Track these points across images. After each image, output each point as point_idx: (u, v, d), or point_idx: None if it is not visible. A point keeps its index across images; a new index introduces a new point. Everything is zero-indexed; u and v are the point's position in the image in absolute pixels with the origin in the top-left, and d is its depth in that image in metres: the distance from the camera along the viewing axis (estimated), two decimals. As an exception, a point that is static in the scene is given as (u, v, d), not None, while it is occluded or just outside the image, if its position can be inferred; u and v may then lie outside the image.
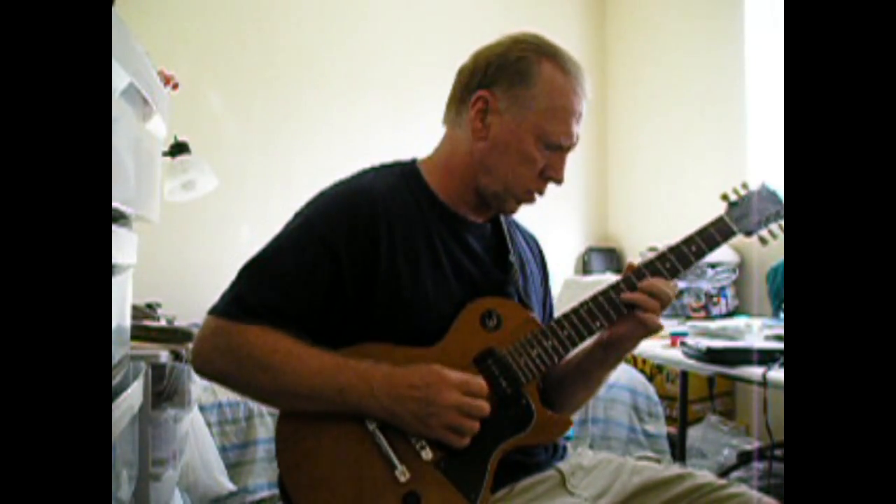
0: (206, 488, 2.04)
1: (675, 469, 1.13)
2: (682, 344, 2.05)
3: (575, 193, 3.96)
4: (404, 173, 1.15)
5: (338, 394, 0.99)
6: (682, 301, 3.22)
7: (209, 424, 2.23)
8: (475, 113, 1.10)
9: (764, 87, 3.19)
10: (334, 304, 1.04)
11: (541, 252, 1.30)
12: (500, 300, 1.10)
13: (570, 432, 2.46)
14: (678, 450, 2.50)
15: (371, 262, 1.04)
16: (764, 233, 1.17)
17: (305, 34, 3.40)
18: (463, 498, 1.00)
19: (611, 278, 1.21)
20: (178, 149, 2.27)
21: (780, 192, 1.16)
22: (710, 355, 1.90)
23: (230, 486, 2.14)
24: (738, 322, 2.32)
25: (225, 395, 2.30)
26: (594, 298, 1.09)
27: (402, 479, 0.98)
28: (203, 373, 1.06)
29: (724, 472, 2.51)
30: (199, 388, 1.96)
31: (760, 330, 2.15)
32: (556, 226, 3.75)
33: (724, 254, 3.16)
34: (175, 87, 1.87)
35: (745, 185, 1.18)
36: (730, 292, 3.24)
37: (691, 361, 1.99)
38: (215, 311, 1.04)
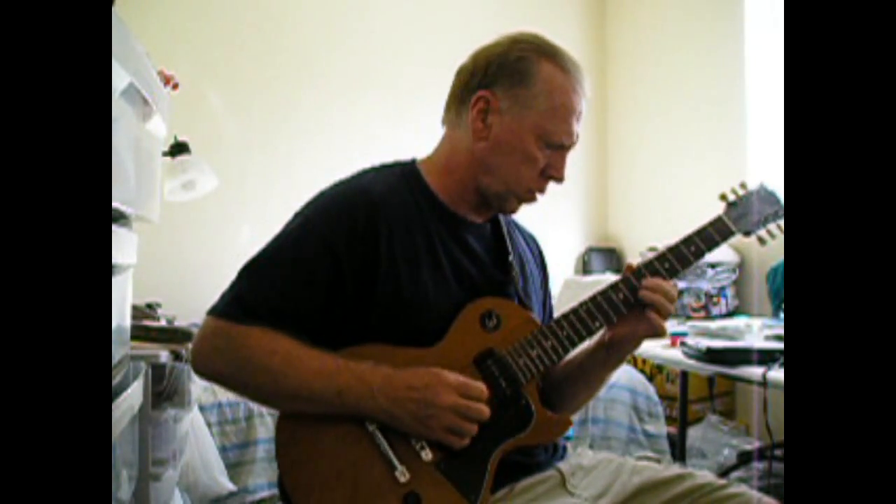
0: (206, 488, 2.04)
1: (675, 469, 1.13)
2: (682, 344, 2.05)
3: (575, 193, 3.96)
4: (404, 173, 1.15)
5: (337, 395, 0.99)
6: (682, 301, 3.22)
7: (209, 424, 2.23)
8: (476, 113, 1.10)
9: (764, 87, 3.19)
10: (334, 305, 1.04)
11: (540, 252, 1.30)
12: (499, 300, 1.10)
13: (569, 432, 2.47)
14: (678, 450, 2.50)
15: (371, 262, 1.04)
16: (762, 233, 1.17)
17: (305, 34, 3.40)
18: (463, 498, 1.00)
19: (611, 278, 1.21)
20: (178, 149, 2.27)
21: (779, 193, 1.17)
22: (710, 355, 1.90)
23: (230, 486, 2.14)
24: (738, 322, 2.32)
25: (225, 395, 2.30)
26: (593, 299, 1.10)
27: (402, 479, 0.98)
28: (202, 373, 1.06)
29: (724, 472, 2.51)
30: (199, 388, 1.96)
31: (760, 330, 2.15)
32: (556, 226, 3.75)
33: (724, 254, 3.16)
34: (175, 87, 1.87)
35: (743, 186, 1.19)
36: (730, 292, 3.25)
37: (691, 361, 1.99)
38: (215, 312, 1.04)
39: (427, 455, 1.00)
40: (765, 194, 1.17)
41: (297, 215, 1.11)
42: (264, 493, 2.27)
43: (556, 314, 1.13)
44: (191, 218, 2.92)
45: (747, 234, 1.16)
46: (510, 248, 1.18)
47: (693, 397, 2.87)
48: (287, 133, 3.34)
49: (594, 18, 4.13)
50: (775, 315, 2.64)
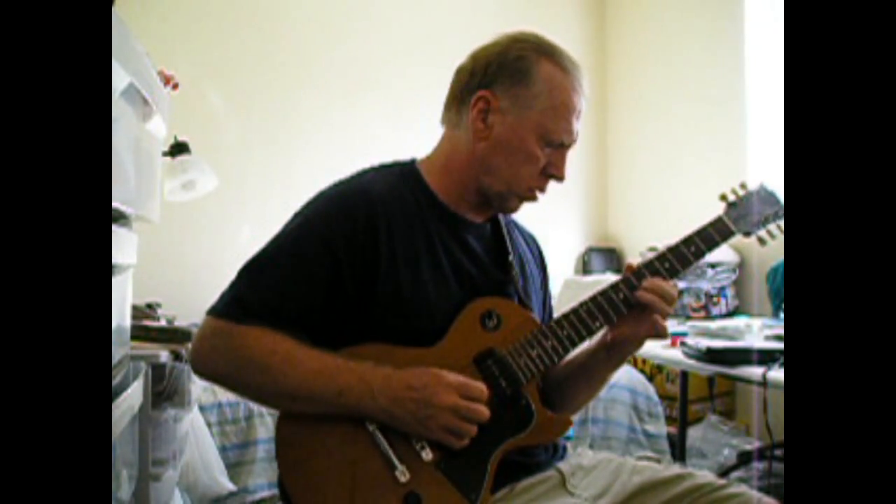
0: (206, 488, 2.04)
1: (675, 469, 1.13)
2: (682, 344, 2.05)
3: (575, 193, 3.96)
4: (404, 173, 1.15)
5: (337, 395, 0.99)
6: (682, 301, 3.22)
7: (209, 424, 2.23)
8: (476, 113, 1.10)
9: (764, 87, 3.19)
10: (334, 305, 1.04)
11: (540, 252, 1.30)
12: (499, 300, 1.10)
13: (570, 432, 2.47)
14: (678, 450, 2.50)
15: (371, 262, 1.04)
16: (762, 233, 1.17)
17: (305, 34, 3.40)
18: (463, 498, 1.00)
19: (611, 278, 1.21)
20: (178, 149, 2.27)
21: (779, 193, 1.17)
22: (710, 355, 1.90)
23: (230, 486, 2.14)
24: (738, 322, 2.32)
25: (225, 395, 2.30)
26: (594, 299, 1.10)
27: (403, 479, 0.99)
28: (202, 374, 1.06)
29: (724, 472, 2.51)
30: (199, 388, 1.95)
31: (760, 330, 2.15)
32: (556, 226, 3.75)
33: (724, 254, 3.16)
34: (175, 87, 1.87)
35: (743, 186, 1.19)
36: (730, 292, 3.25)
37: (691, 361, 1.99)
38: (214, 312, 1.04)
39: (427, 455, 1.00)
40: (765, 195, 1.17)
41: (296, 215, 1.11)
42: (264, 493, 2.27)
43: (557, 314, 1.13)
44: (191, 218, 2.92)
45: (747, 234, 1.16)
46: (510, 248, 1.18)
47: (693, 397, 2.87)
48: (287, 133, 3.33)
49: (594, 18, 4.12)
50: (775, 315, 2.64)
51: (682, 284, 3.14)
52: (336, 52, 3.44)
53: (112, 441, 0.96)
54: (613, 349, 1.13)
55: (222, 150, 3.06)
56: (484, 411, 1.00)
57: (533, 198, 1.14)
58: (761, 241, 1.17)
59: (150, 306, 1.87)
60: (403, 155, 1.20)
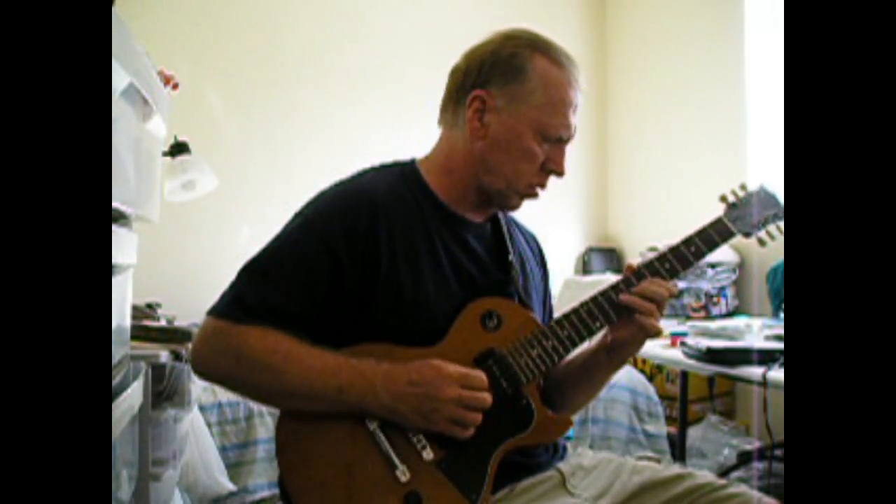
0: (206, 488, 2.04)
1: (675, 469, 1.13)
2: (682, 344, 2.05)
3: (575, 193, 3.96)
4: (404, 173, 1.15)
5: (338, 393, 0.99)
6: (682, 301, 3.22)
7: (209, 424, 2.23)
8: (472, 113, 1.10)
9: (764, 88, 3.19)
10: (334, 305, 1.04)
11: (541, 251, 1.30)
12: (500, 300, 1.10)
13: (570, 432, 2.47)
14: (678, 450, 2.50)
15: (371, 262, 1.04)
16: (762, 234, 1.17)
17: (305, 34, 3.40)
18: (464, 498, 1.00)
19: (611, 278, 1.21)
20: (178, 149, 2.27)
21: (779, 194, 1.17)
22: (710, 355, 1.89)
23: (230, 486, 2.14)
24: (738, 322, 2.32)
25: (225, 395, 2.30)
26: (594, 299, 1.10)
27: (403, 478, 0.99)
28: (202, 374, 1.06)
29: (724, 472, 2.51)
30: (199, 388, 1.96)
31: (760, 330, 2.15)
32: (556, 226, 3.75)
33: (724, 254, 3.16)
34: (175, 87, 1.87)
35: (743, 187, 1.19)
36: (730, 292, 3.24)
37: (691, 361, 1.99)
38: (214, 312, 1.04)
39: (428, 454, 1.00)
40: (765, 196, 1.17)
41: (297, 215, 1.11)
42: (264, 493, 2.27)
43: (557, 314, 1.13)
44: (191, 218, 2.92)
45: (747, 235, 1.16)
46: (510, 248, 1.18)
47: (693, 397, 2.87)
48: (287, 133, 3.33)
49: (594, 18, 4.12)
50: (775, 315, 2.64)
51: (682, 284, 3.14)
52: (336, 51, 3.44)
53: (112, 441, 0.96)
54: (614, 351, 1.13)
55: (222, 150, 3.06)
56: (486, 398, 1.00)
57: (534, 194, 1.14)
58: (761, 241, 1.17)
59: (150, 306, 1.87)
60: (403, 155, 1.20)
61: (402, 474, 0.99)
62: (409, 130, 3.13)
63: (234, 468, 2.27)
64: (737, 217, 1.15)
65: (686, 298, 3.22)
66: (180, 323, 1.86)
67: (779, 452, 2.39)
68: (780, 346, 1.87)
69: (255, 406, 2.33)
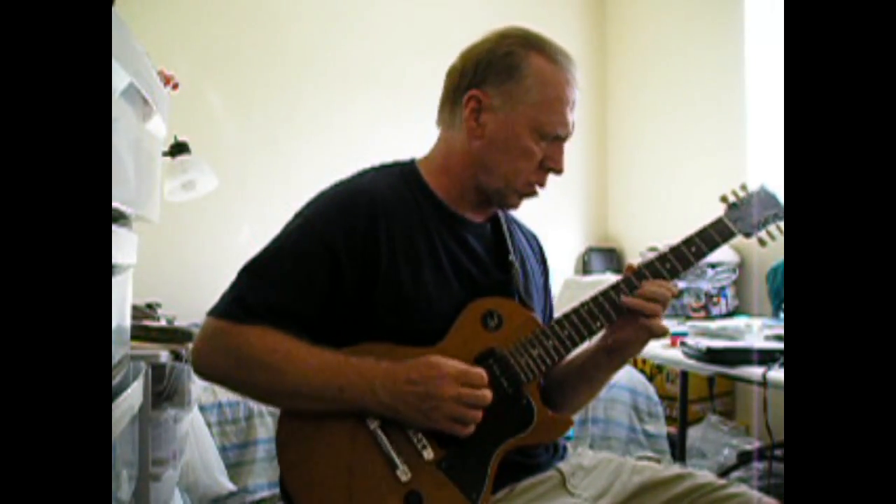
0: (206, 488, 2.04)
1: (675, 469, 1.13)
2: (682, 344, 2.05)
3: (575, 193, 3.96)
4: (404, 173, 1.15)
5: (338, 392, 0.99)
6: (682, 301, 3.22)
7: (209, 424, 2.23)
8: (469, 113, 1.10)
9: (764, 87, 3.19)
10: (335, 305, 1.04)
11: (541, 249, 1.30)
12: (500, 300, 1.10)
13: (570, 432, 2.47)
14: (678, 450, 2.50)
15: (371, 262, 1.04)
16: (762, 234, 1.17)
17: (305, 34, 3.40)
18: (464, 497, 1.00)
19: (611, 278, 1.21)
20: (178, 149, 2.27)
21: (779, 194, 1.17)
22: (710, 355, 1.89)
23: (230, 486, 2.14)
24: (738, 322, 2.32)
25: (225, 395, 2.30)
26: (594, 299, 1.10)
27: (404, 478, 0.99)
28: (204, 374, 1.06)
29: (724, 472, 2.51)
30: (199, 388, 1.96)
31: (760, 330, 2.14)
32: (556, 226, 3.75)
33: (724, 254, 3.16)
34: (175, 87, 1.87)
35: (744, 187, 1.19)
36: (730, 292, 3.25)
37: (691, 361, 1.99)
38: (215, 313, 1.04)
39: (428, 454, 1.00)
40: (765, 196, 1.17)
41: (297, 216, 1.11)
42: (264, 493, 2.27)
43: (557, 314, 1.13)
44: (191, 218, 2.92)
45: (748, 235, 1.16)
46: (511, 247, 1.18)
47: (693, 397, 2.87)
48: (287, 133, 3.34)
49: (594, 18, 4.12)
50: (775, 315, 2.64)
51: (682, 284, 3.15)
52: (336, 51, 3.44)
53: (112, 441, 0.96)
54: (615, 352, 1.13)
55: (222, 150, 3.06)
56: (486, 394, 1.00)
57: (533, 193, 1.13)
58: (762, 242, 1.17)
59: (150, 306, 1.87)
60: (403, 155, 1.20)
61: (403, 474, 0.99)
62: (409, 130, 3.13)
63: (234, 468, 2.27)
64: (737, 217, 1.15)
65: (686, 298, 3.23)
66: (180, 323, 1.86)
67: (779, 452, 2.39)
68: (780, 346, 1.87)
69: (255, 406, 2.33)
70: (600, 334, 1.13)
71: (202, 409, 2.22)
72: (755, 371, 1.76)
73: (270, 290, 1.04)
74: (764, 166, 3.08)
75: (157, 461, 1.41)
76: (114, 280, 0.97)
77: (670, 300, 1.09)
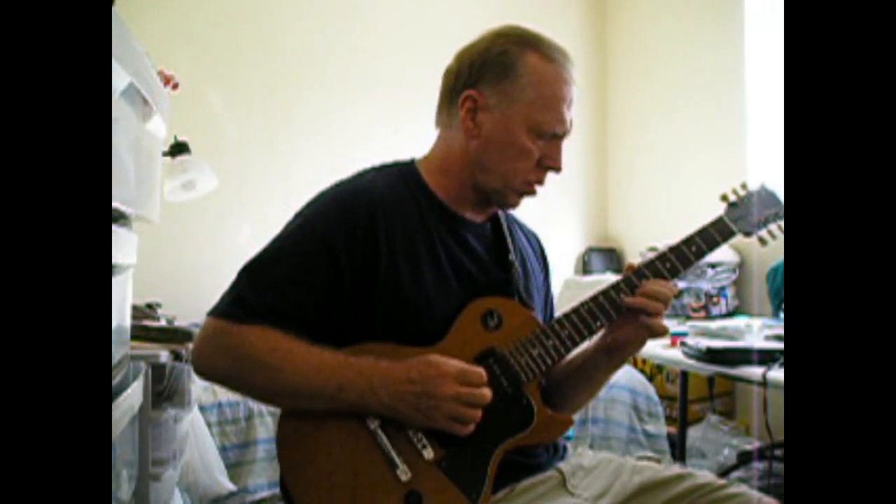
0: (206, 488, 2.04)
1: (675, 469, 1.13)
2: (682, 344, 2.05)
3: (575, 193, 3.96)
4: (404, 173, 1.15)
5: (337, 391, 0.99)
6: (682, 301, 3.22)
7: (209, 424, 2.23)
8: (465, 113, 1.10)
9: (764, 87, 3.19)
10: (335, 305, 1.04)
11: (542, 248, 1.30)
12: (500, 300, 1.10)
13: (570, 432, 2.47)
14: (678, 450, 2.50)
15: (371, 262, 1.04)
16: (763, 233, 1.17)
17: (305, 34, 3.40)
18: (464, 497, 1.00)
19: (611, 278, 1.21)
20: (178, 149, 2.27)
21: (780, 194, 1.17)
22: (710, 355, 1.90)
23: (230, 486, 2.14)
24: (738, 322, 2.32)
25: (225, 395, 2.30)
26: (595, 298, 1.10)
27: (404, 478, 0.99)
28: (203, 374, 1.06)
29: (724, 472, 2.51)
30: (199, 388, 1.96)
31: (760, 330, 2.15)
32: (556, 226, 3.75)
33: (724, 254, 3.17)
34: (175, 87, 1.87)
35: (744, 186, 1.19)
36: (730, 292, 3.25)
37: (691, 361, 1.99)
38: (215, 313, 1.04)
39: (429, 454, 1.00)
40: (765, 195, 1.17)
41: (297, 216, 1.11)
42: (264, 493, 2.27)
43: (557, 314, 1.13)
44: (191, 218, 2.92)
45: (748, 234, 1.16)
46: (511, 247, 1.18)
47: (693, 397, 2.87)
48: (287, 133, 3.34)
49: (594, 18, 4.12)
50: (775, 315, 2.64)
51: (682, 284, 3.15)
52: (336, 51, 3.44)
53: (112, 441, 0.96)
54: (614, 351, 1.13)
55: (222, 150, 3.06)
56: (486, 394, 1.00)
57: (531, 192, 1.13)
58: (762, 241, 1.17)
59: (150, 306, 1.87)
60: (403, 155, 1.20)
61: (403, 473, 0.99)
62: (409, 130, 3.13)
63: (234, 468, 2.27)
64: (738, 216, 1.15)
65: (686, 298, 3.23)
66: (180, 323, 1.86)
67: (779, 452, 2.39)
68: (780, 346, 1.87)
69: (256, 406, 2.33)
70: (600, 334, 1.13)
71: (202, 409, 2.22)
72: (755, 371, 1.76)
73: (270, 290, 1.04)
74: (764, 166, 3.08)
75: (157, 461, 1.41)
76: (114, 280, 0.97)
77: (671, 299, 1.09)
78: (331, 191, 1.12)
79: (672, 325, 2.52)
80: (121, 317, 1.10)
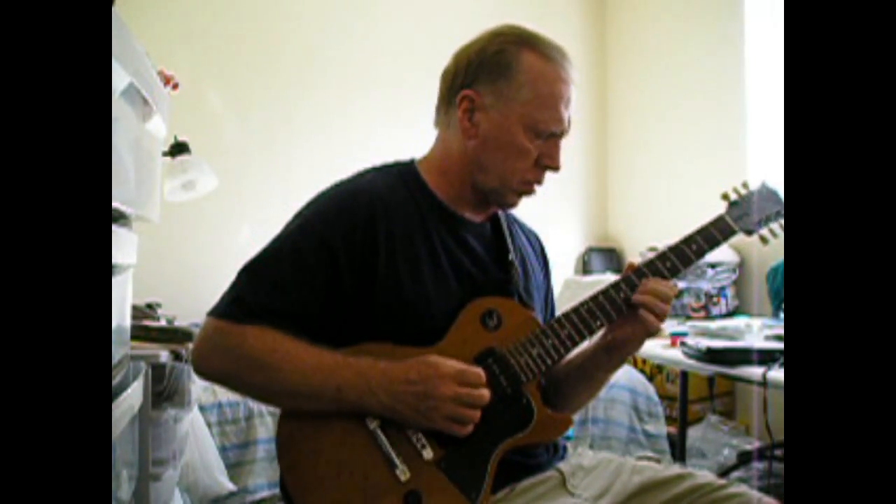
0: (206, 488, 2.04)
1: (675, 469, 1.13)
2: (682, 344, 2.05)
3: (575, 193, 3.96)
4: (403, 173, 1.15)
5: (336, 391, 0.99)
6: (682, 301, 3.22)
7: (209, 424, 2.23)
8: (462, 113, 1.10)
9: (764, 87, 3.19)
10: (334, 305, 1.04)
11: (542, 248, 1.30)
12: (500, 300, 1.10)
13: (570, 432, 2.47)
14: (678, 450, 2.50)
15: (370, 262, 1.04)
16: (764, 232, 1.17)
17: (305, 34, 3.40)
18: (464, 498, 1.00)
19: (611, 278, 1.21)
20: (178, 149, 2.27)
21: (781, 192, 1.17)
22: (710, 355, 1.90)
23: (230, 486, 2.14)
24: (738, 322, 2.32)
25: (225, 395, 2.30)
26: (594, 298, 1.09)
27: (403, 478, 0.99)
28: (204, 374, 1.07)
29: (724, 472, 2.51)
30: (199, 388, 1.96)
31: (760, 330, 2.15)
32: (556, 226, 3.74)
33: (724, 254, 3.16)
34: (175, 87, 1.87)
35: (745, 185, 1.19)
36: (730, 292, 3.24)
37: (691, 361, 1.99)
38: (215, 313, 1.05)
39: (428, 454, 1.00)
40: (767, 193, 1.17)
41: (296, 216, 1.11)
42: (264, 493, 2.27)
43: (557, 313, 1.13)
44: (191, 218, 2.92)
45: (749, 233, 1.16)
46: (510, 247, 1.18)
47: (693, 397, 2.87)
48: (287, 133, 3.33)
49: (594, 18, 4.12)
50: (775, 315, 2.64)
51: (682, 284, 3.15)
52: (336, 52, 3.44)
53: (112, 441, 0.96)
54: (614, 350, 1.13)
55: (222, 150, 3.06)
56: (484, 394, 1.00)
57: (530, 191, 1.13)
58: (763, 239, 1.17)
59: (150, 306, 1.87)
60: (403, 155, 1.20)
61: (402, 473, 0.99)
62: (409, 130, 3.13)
63: (234, 468, 2.27)
64: (739, 215, 1.15)
65: (686, 298, 3.22)
66: (180, 323, 1.86)
67: (779, 452, 2.39)
68: (780, 346, 1.87)
69: (255, 406, 2.33)
70: (600, 333, 1.13)
71: (202, 409, 2.22)
72: (755, 371, 1.76)
73: (270, 290, 1.04)
74: (764, 166, 3.08)
75: (157, 461, 1.41)
76: (114, 280, 0.97)
77: (672, 299, 1.09)
78: (330, 191, 1.12)
79: (672, 325, 2.53)
80: (121, 317, 1.10)
